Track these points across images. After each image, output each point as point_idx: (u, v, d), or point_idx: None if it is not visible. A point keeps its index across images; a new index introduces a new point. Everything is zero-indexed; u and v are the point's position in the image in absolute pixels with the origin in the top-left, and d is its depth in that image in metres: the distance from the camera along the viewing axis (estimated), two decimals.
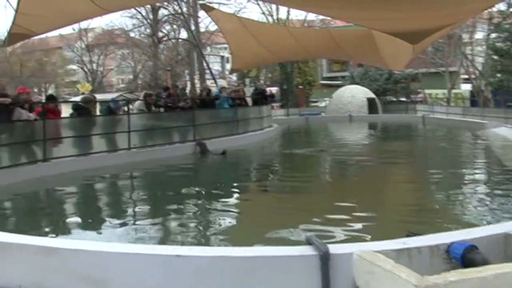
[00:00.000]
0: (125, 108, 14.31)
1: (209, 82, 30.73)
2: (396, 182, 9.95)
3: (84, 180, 10.02)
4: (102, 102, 15.32)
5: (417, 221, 6.11)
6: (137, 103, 15.08)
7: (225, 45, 31.81)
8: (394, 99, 39.28)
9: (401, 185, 9.50)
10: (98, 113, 14.04)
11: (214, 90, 19.93)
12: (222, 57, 49.37)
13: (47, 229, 6.41)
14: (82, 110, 12.40)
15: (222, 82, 38.79)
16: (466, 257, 2.98)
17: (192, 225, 6.14)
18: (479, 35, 38.07)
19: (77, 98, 19.12)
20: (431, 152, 15.08)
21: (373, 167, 11.70)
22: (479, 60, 38.10)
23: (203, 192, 8.57)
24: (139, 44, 46.54)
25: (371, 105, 32.48)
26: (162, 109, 15.41)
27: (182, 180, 10.35)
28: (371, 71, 39.13)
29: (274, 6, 41.39)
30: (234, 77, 45.14)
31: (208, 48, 47.84)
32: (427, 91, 39.57)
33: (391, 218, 6.48)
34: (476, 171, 10.67)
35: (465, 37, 37.34)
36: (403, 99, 39.35)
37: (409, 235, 3.51)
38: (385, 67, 27.78)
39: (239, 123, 17.33)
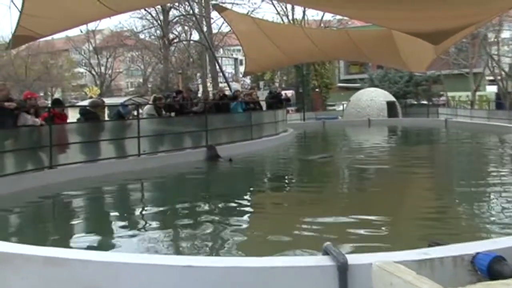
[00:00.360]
0: (135, 113, 14.39)
1: (222, 86, 30.81)
2: (417, 190, 9.90)
3: (92, 187, 10.08)
4: (111, 107, 15.42)
5: (440, 231, 6.06)
6: (146, 107, 15.11)
7: (239, 47, 31.89)
8: (415, 102, 39.12)
9: (423, 192, 9.45)
10: (106, 118, 14.12)
11: (228, 94, 19.93)
12: (236, 59, 49.52)
13: (54, 239, 6.45)
14: (90, 115, 12.49)
15: (235, 85, 38.88)
16: (493, 268, 2.94)
17: (203, 236, 6.14)
18: (505, 34, 37.78)
19: (85, 103, 19.27)
20: (454, 158, 14.98)
21: (393, 174, 11.64)
22: (506, 60, 37.81)
23: (214, 202, 8.55)
24: (149, 46, 46.84)
25: (391, 109, 32.35)
26: (173, 114, 15.44)
27: (193, 188, 10.38)
28: (391, 73, 38.99)
29: (289, 6, 41.50)
30: (248, 80, 45.20)
31: (221, 50, 48.01)
32: (450, 93, 39.35)
33: (412, 227, 6.44)
34: (502, 177, 10.58)
35: (491, 36, 37.05)
36: (425, 102, 39.14)
37: (431, 245, 3.48)
38: (405, 69, 27.68)
39: (253, 128, 17.36)
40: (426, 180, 10.92)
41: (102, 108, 13.47)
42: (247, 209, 8.28)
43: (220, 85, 32.57)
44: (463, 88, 39.18)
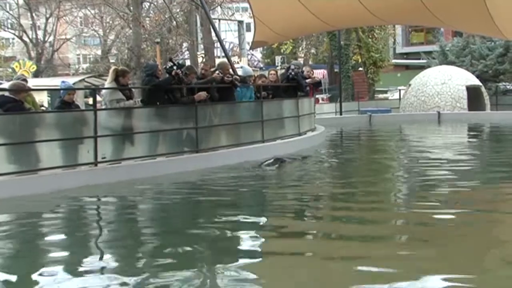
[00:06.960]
0: (89, 101, 14.32)
1: (224, 61, 30.73)
2: None
3: (22, 213, 9.99)
4: (54, 91, 15.33)
5: None
6: (105, 91, 14.55)
7: (245, 4, 31.94)
8: None
9: None
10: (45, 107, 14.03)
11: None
12: (240, 23, 49.53)
13: None
14: (11, 104, 12.20)
15: (240, 62, 38.85)
16: None
17: None
18: None
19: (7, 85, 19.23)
20: None
21: (481, 217, 10.86)
22: None
23: (205, 241, 8.31)
24: (112, 2, 46.85)
25: (474, 98, 32.24)
26: (138, 99, 15.10)
27: (175, 215, 10.21)
28: (475, 43, 38.91)
29: None
30: (258, 53, 45.23)
31: (219, 9, 48.03)
32: None
33: None
34: None
35: None
36: None
37: None
38: (499, 37, 27.61)
39: (265, 125, 17.35)
40: None
41: (27, 94, 13.24)
42: (255, 260, 8.11)
43: (220, 60, 32.41)
44: None
